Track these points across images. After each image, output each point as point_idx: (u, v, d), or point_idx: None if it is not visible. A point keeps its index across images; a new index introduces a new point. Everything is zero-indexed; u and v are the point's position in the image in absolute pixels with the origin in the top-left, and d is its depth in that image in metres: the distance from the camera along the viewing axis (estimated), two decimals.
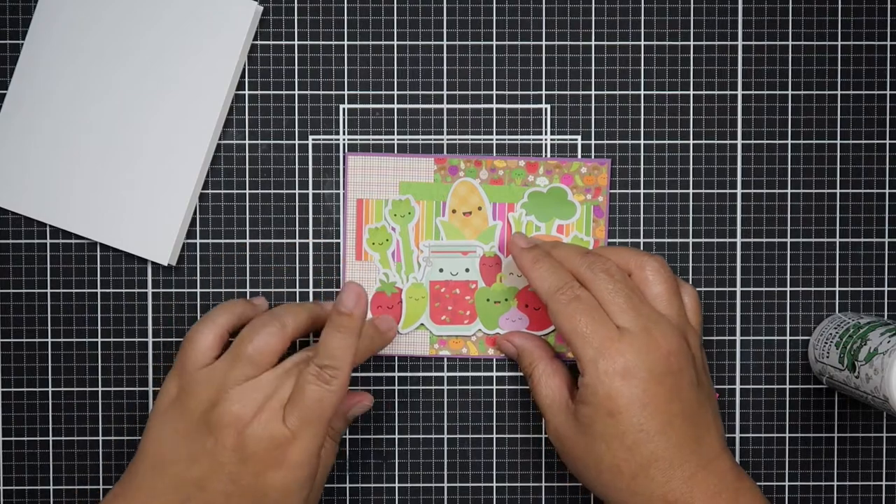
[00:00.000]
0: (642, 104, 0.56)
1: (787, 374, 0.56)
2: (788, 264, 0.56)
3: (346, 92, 0.56)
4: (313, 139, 0.56)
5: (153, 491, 0.47)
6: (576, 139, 0.56)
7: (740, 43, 0.56)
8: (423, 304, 0.55)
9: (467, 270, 0.55)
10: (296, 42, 0.55)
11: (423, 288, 0.55)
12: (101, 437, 0.56)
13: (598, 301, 0.48)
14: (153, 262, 0.55)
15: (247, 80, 0.55)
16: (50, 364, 0.55)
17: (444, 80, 0.56)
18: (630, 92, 0.56)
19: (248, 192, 0.56)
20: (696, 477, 0.46)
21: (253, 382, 0.47)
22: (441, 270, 0.55)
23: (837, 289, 0.56)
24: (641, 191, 0.56)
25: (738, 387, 0.56)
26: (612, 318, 0.48)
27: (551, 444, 0.51)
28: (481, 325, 0.55)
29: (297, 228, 0.56)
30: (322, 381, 0.46)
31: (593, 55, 0.56)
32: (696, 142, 0.56)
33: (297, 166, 0.55)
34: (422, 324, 0.55)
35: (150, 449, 0.48)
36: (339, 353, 0.46)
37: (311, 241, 0.56)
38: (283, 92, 0.55)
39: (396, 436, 0.56)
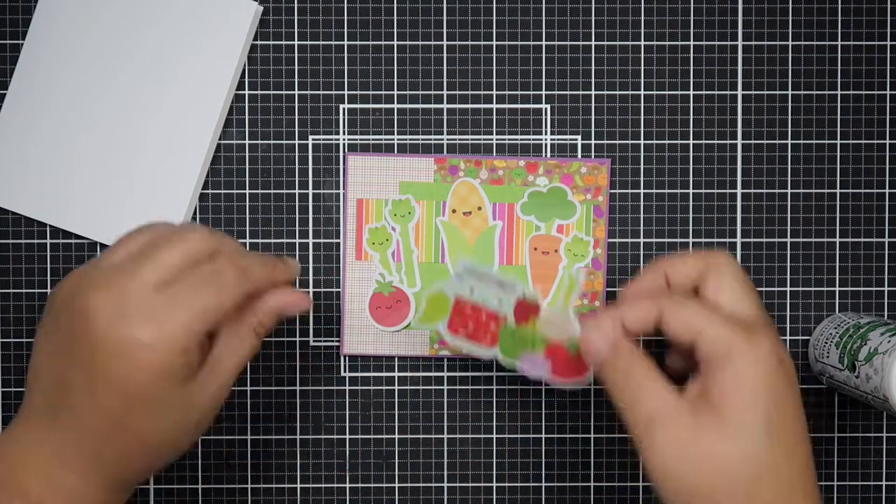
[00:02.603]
0: (642, 104, 0.56)
1: None
2: (788, 264, 0.56)
3: (346, 92, 0.56)
4: (313, 139, 0.56)
5: (31, 402, 0.43)
6: (576, 139, 0.56)
7: (740, 43, 0.56)
8: (443, 311, 0.49)
9: (500, 303, 0.49)
10: (296, 42, 0.55)
11: (447, 300, 0.49)
12: None
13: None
14: None
15: (247, 80, 0.55)
16: None
17: (444, 80, 0.56)
18: (630, 92, 0.56)
19: (248, 192, 0.56)
20: (808, 487, 0.40)
21: (119, 263, 0.42)
22: (472, 291, 0.49)
23: (837, 289, 0.56)
24: (641, 191, 0.56)
25: None
26: (734, 309, 0.42)
27: (648, 480, 0.43)
28: (500, 354, 0.49)
29: (297, 228, 0.56)
30: (222, 276, 0.42)
31: (593, 55, 0.56)
32: (696, 142, 0.56)
33: (297, 166, 0.55)
34: (437, 330, 0.50)
35: (31, 360, 0.44)
36: (257, 267, 0.43)
37: (311, 241, 0.56)
38: (283, 92, 0.55)
39: (396, 436, 0.56)
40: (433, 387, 0.56)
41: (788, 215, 0.56)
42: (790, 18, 0.56)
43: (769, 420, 0.39)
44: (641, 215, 0.56)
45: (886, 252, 0.56)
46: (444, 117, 0.56)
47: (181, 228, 0.43)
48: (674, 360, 0.48)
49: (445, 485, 0.56)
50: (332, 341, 0.56)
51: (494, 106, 0.56)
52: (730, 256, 0.44)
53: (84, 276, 0.42)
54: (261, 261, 0.45)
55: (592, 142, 0.56)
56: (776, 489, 0.39)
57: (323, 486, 0.56)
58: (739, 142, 0.56)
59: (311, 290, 0.56)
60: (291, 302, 0.46)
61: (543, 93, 0.56)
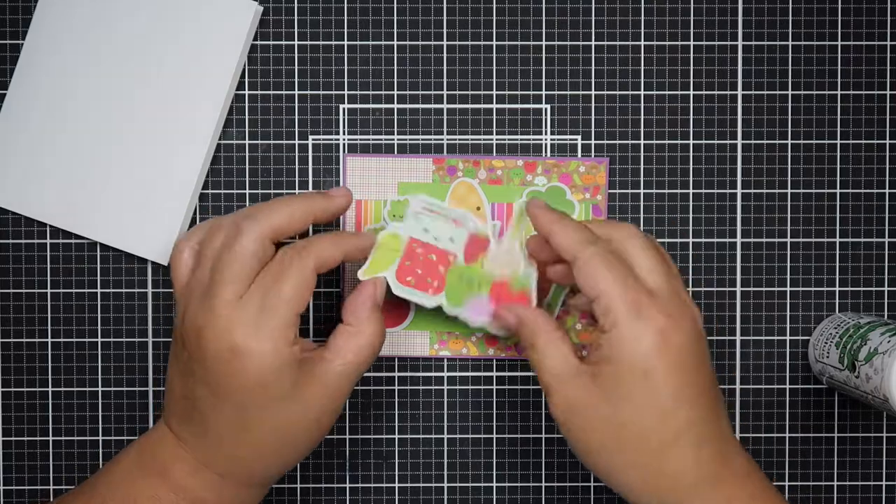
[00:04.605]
0: (642, 104, 0.56)
1: (787, 374, 0.56)
2: (788, 264, 0.56)
3: (345, 92, 0.56)
4: (313, 139, 0.56)
5: (171, 407, 0.47)
6: (576, 139, 0.56)
7: (740, 43, 0.56)
8: (393, 257, 0.50)
9: (451, 240, 0.51)
10: (296, 42, 0.55)
11: (400, 240, 0.50)
12: (101, 437, 0.56)
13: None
14: (153, 262, 0.55)
15: (247, 80, 0.55)
16: (50, 364, 0.55)
17: (444, 80, 0.56)
18: (630, 92, 0.56)
19: (248, 192, 0.56)
20: (721, 453, 0.44)
21: (206, 289, 0.46)
22: (426, 230, 0.50)
23: (837, 289, 0.56)
24: (641, 191, 0.56)
25: (738, 387, 0.56)
26: (643, 277, 0.45)
27: (556, 425, 0.47)
28: (446, 299, 0.50)
29: None
30: (285, 266, 0.45)
31: (593, 55, 0.56)
32: (696, 142, 0.56)
33: (297, 166, 0.55)
34: (384, 276, 0.50)
35: (165, 389, 0.49)
36: (314, 241, 0.46)
37: None
38: (283, 92, 0.56)
39: (396, 436, 0.56)
40: (433, 387, 0.56)
41: (788, 215, 0.56)
42: (790, 18, 0.56)
43: (635, 392, 0.43)
44: (641, 215, 0.56)
45: (886, 252, 0.56)
46: (444, 117, 0.56)
47: (229, 237, 0.46)
48: (580, 302, 0.53)
49: (445, 485, 0.56)
50: None
51: (494, 106, 0.56)
52: (632, 227, 0.47)
53: (185, 302, 0.46)
54: (319, 235, 0.47)
55: (592, 142, 0.56)
56: (639, 447, 0.43)
57: (323, 486, 0.56)
58: (739, 142, 0.56)
59: None
60: (373, 288, 0.48)
61: (543, 93, 0.56)
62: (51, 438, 0.56)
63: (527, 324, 0.48)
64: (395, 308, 0.55)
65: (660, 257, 0.46)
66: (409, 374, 0.56)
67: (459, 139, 0.56)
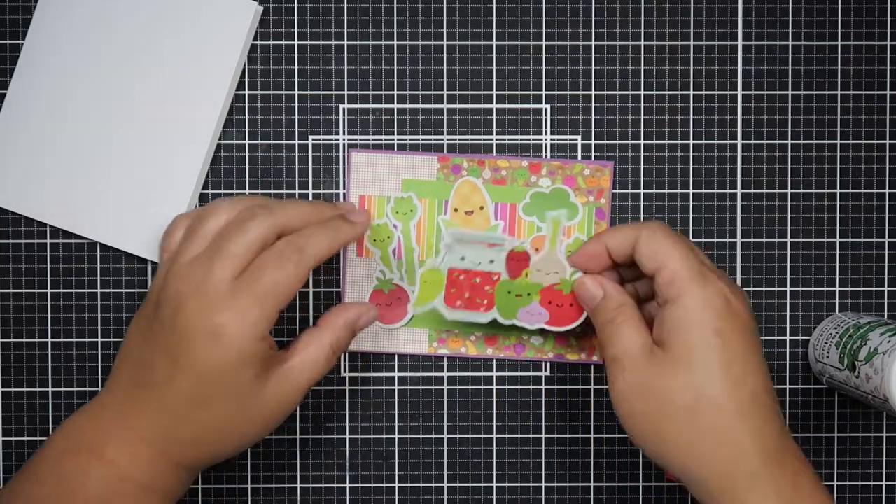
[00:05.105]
0: (642, 104, 0.56)
1: (787, 374, 0.56)
2: (788, 264, 0.56)
3: (346, 92, 0.56)
4: (313, 139, 0.56)
5: (119, 377, 0.47)
6: (576, 139, 0.56)
7: (740, 43, 0.56)
8: (437, 289, 0.53)
9: (491, 262, 0.53)
10: (296, 42, 0.55)
11: (439, 273, 0.54)
12: None
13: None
14: (153, 262, 0.55)
15: (247, 80, 0.55)
16: (50, 364, 0.55)
17: (444, 80, 0.56)
18: (630, 92, 0.56)
19: (248, 192, 0.56)
20: (784, 429, 0.45)
21: (196, 256, 0.46)
22: (463, 259, 0.53)
23: (837, 289, 0.56)
24: (642, 191, 0.56)
25: None
26: (676, 270, 0.46)
27: (613, 408, 0.46)
28: (498, 314, 0.53)
29: None
30: (284, 259, 0.45)
31: (593, 55, 0.56)
32: (696, 142, 0.56)
33: (297, 166, 0.55)
34: (434, 308, 0.54)
35: (124, 339, 0.48)
36: (314, 242, 0.47)
37: None
38: (283, 92, 0.55)
39: (396, 436, 0.56)
40: (433, 387, 0.56)
41: (788, 215, 0.56)
42: (790, 18, 0.56)
43: (708, 355, 0.43)
44: (641, 215, 0.56)
45: (886, 252, 0.56)
46: (444, 117, 0.56)
47: (242, 218, 0.47)
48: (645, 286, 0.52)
49: (445, 485, 0.56)
50: None
51: (494, 106, 0.56)
52: (660, 223, 0.48)
53: (168, 270, 0.47)
54: (321, 232, 0.48)
55: (592, 142, 0.56)
56: (715, 416, 0.43)
57: (323, 486, 0.56)
58: (739, 142, 0.56)
59: (311, 289, 0.56)
60: (361, 314, 0.50)
61: (543, 93, 0.56)
62: None
63: (612, 296, 0.48)
64: (395, 306, 0.55)
65: (690, 244, 0.47)
66: (408, 374, 0.56)
67: (459, 139, 0.56)
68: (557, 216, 0.54)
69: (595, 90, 0.56)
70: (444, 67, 0.56)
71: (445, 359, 0.56)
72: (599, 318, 0.48)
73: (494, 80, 0.56)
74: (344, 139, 0.56)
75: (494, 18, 0.56)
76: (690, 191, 0.56)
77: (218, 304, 0.44)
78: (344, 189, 0.55)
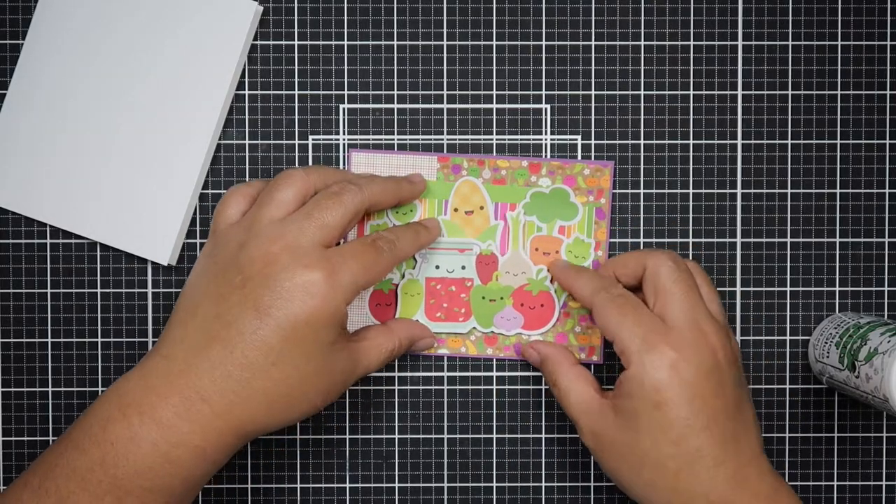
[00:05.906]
0: (642, 104, 0.56)
1: (787, 374, 0.56)
2: (788, 264, 0.56)
3: (346, 92, 0.56)
4: (313, 139, 0.56)
5: (183, 335, 0.46)
6: (576, 139, 0.56)
7: (740, 43, 0.56)
8: (418, 301, 0.55)
9: (463, 268, 0.55)
10: (296, 42, 0.55)
11: (418, 284, 0.55)
12: None
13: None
14: (153, 262, 0.55)
15: (247, 80, 0.55)
16: (50, 364, 0.55)
17: (444, 80, 0.56)
18: (630, 92, 0.56)
19: None
20: (738, 476, 0.46)
21: (282, 220, 0.47)
22: (437, 267, 0.55)
23: (837, 289, 0.56)
24: (641, 191, 0.56)
25: None
26: (666, 308, 0.48)
27: (587, 449, 0.51)
28: (476, 323, 0.55)
29: None
30: (378, 247, 0.48)
31: (593, 55, 0.56)
32: (696, 142, 0.56)
33: (297, 166, 0.55)
34: (416, 320, 0.55)
35: (183, 302, 0.48)
36: (405, 242, 0.51)
37: None
38: (283, 92, 0.55)
39: (396, 436, 0.56)
40: (433, 387, 0.56)
41: (788, 215, 0.56)
42: (790, 18, 0.56)
43: (650, 424, 0.46)
44: (641, 215, 0.56)
45: (886, 252, 0.56)
46: (444, 117, 0.56)
47: (335, 191, 0.49)
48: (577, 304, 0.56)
49: (445, 485, 0.56)
50: None
51: (494, 106, 0.56)
52: (667, 255, 0.50)
53: (248, 231, 0.48)
54: (411, 235, 0.52)
55: (592, 142, 0.56)
56: (659, 473, 0.47)
57: (323, 486, 0.56)
58: (739, 142, 0.56)
59: None
60: (421, 334, 0.54)
61: (543, 93, 0.56)
62: (51, 439, 0.56)
63: (549, 360, 0.52)
64: (394, 306, 0.55)
65: (685, 287, 0.48)
66: (408, 373, 0.56)
67: (459, 139, 0.56)
68: (519, 218, 0.55)
69: (595, 90, 0.56)
70: (444, 67, 0.56)
71: (445, 359, 0.56)
72: (545, 377, 0.53)
73: (494, 80, 0.56)
74: (344, 139, 0.56)
75: (494, 18, 0.56)
76: (690, 191, 0.56)
77: (312, 262, 0.46)
78: None
